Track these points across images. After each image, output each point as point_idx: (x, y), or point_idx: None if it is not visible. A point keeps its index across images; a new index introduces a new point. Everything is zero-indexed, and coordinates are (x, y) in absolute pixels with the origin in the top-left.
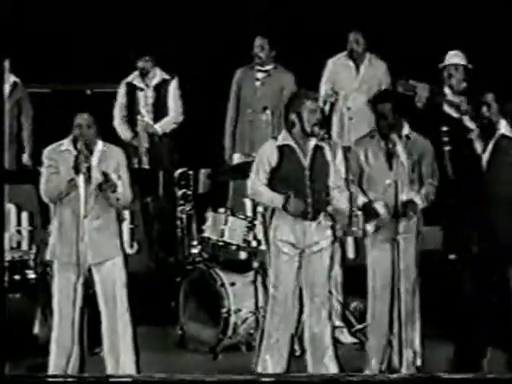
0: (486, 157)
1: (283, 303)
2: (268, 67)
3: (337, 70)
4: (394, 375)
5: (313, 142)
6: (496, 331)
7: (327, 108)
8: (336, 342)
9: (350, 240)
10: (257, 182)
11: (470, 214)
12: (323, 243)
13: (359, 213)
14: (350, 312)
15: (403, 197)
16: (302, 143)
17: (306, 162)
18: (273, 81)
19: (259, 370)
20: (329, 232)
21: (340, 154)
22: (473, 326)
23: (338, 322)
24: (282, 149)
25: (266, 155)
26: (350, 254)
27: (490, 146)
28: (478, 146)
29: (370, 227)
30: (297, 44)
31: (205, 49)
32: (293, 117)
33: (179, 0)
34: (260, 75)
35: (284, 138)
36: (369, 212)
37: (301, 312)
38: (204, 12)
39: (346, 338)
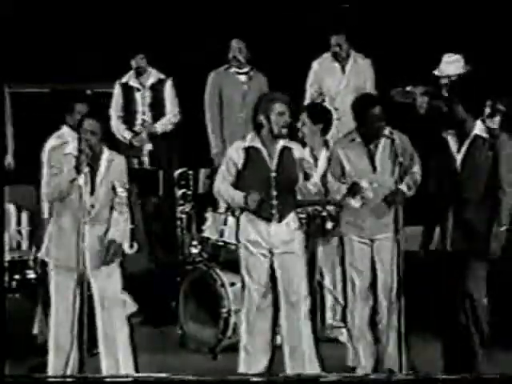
0: (460, 156)
1: (256, 301)
2: (246, 69)
3: (322, 72)
4: (390, 376)
5: (280, 143)
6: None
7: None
8: (336, 341)
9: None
10: (220, 182)
11: (445, 214)
12: (294, 243)
13: (330, 209)
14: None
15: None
16: (269, 145)
17: (273, 164)
18: (255, 83)
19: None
20: (299, 233)
21: (307, 151)
22: (458, 325)
23: (336, 322)
24: (249, 150)
25: (233, 156)
26: None
27: (465, 146)
28: (453, 146)
29: (354, 202)
30: (280, 45)
31: (205, 49)
32: (261, 118)
33: (178, 0)
34: (243, 78)
35: (251, 139)
36: (353, 188)
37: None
38: (202, 12)
39: (345, 337)
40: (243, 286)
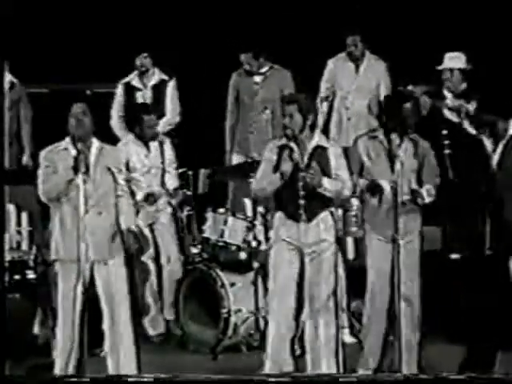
0: (496, 157)
1: (280, 300)
2: (264, 69)
3: (336, 70)
4: (395, 375)
5: (314, 142)
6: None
7: (325, 108)
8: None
9: (349, 240)
10: (260, 178)
11: (479, 215)
12: (323, 244)
13: (356, 211)
14: (350, 312)
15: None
16: (301, 143)
17: (302, 163)
18: (271, 82)
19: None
20: (328, 233)
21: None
22: (479, 327)
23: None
24: (282, 149)
25: (267, 155)
26: (350, 254)
27: (501, 146)
28: (488, 146)
29: (374, 201)
30: (296, 45)
31: (205, 49)
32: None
33: (178, 0)
34: (258, 79)
35: (281, 138)
36: (373, 188)
37: (298, 312)
38: (203, 12)
39: (346, 337)
40: (269, 284)
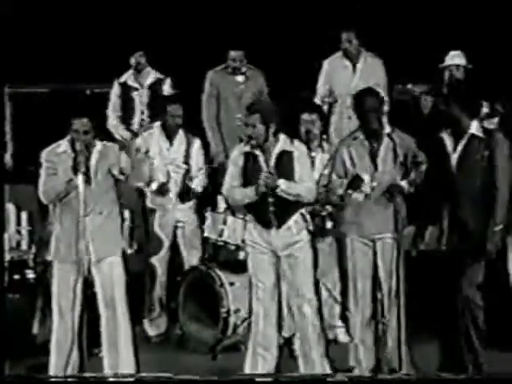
0: (456, 156)
1: (264, 302)
2: (244, 69)
3: (333, 71)
4: (390, 375)
5: (278, 147)
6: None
7: (325, 108)
8: (334, 341)
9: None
10: (230, 183)
11: (441, 212)
12: (298, 246)
13: (330, 209)
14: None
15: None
16: (267, 150)
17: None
18: (252, 83)
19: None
20: (301, 234)
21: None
22: (451, 325)
23: (335, 322)
24: (247, 156)
25: (234, 160)
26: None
27: (461, 146)
28: (449, 145)
29: (357, 195)
30: (288, 45)
31: (204, 49)
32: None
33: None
34: (240, 79)
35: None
36: (354, 181)
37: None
38: (201, 11)
39: (344, 337)
40: (251, 287)
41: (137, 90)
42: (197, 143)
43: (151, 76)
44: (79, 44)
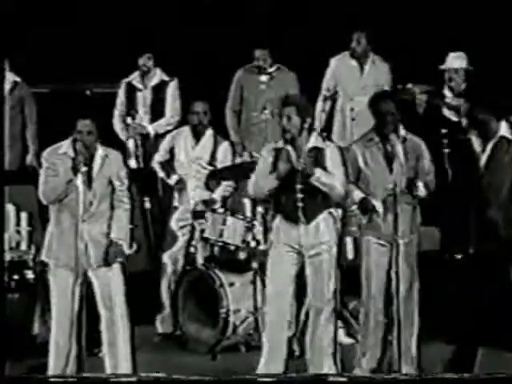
0: (484, 157)
1: (276, 302)
2: (271, 69)
3: (340, 69)
4: (393, 375)
5: (310, 144)
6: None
7: (327, 107)
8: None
9: (349, 240)
10: (257, 178)
11: (469, 215)
12: (323, 246)
13: (356, 210)
14: (348, 312)
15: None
16: (298, 146)
17: (299, 166)
18: (276, 83)
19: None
20: (329, 234)
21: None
22: (473, 326)
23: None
24: (278, 151)
25: (264, 156)
26: (350, 254)
27: (489, 147)
28: (477, 146)
29: (365, 220)
30: (299, 44)
31: (206, 49)
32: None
33: (180, 1)
34: (264, 78)
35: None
36: (365, 206)
37: (296, 313)
38: (204, 12)
39: (344, 338)
40: (266, 285)
41: (140, 91)
42: (224, 145)
43: (157, 77)
44: (79, 44)
